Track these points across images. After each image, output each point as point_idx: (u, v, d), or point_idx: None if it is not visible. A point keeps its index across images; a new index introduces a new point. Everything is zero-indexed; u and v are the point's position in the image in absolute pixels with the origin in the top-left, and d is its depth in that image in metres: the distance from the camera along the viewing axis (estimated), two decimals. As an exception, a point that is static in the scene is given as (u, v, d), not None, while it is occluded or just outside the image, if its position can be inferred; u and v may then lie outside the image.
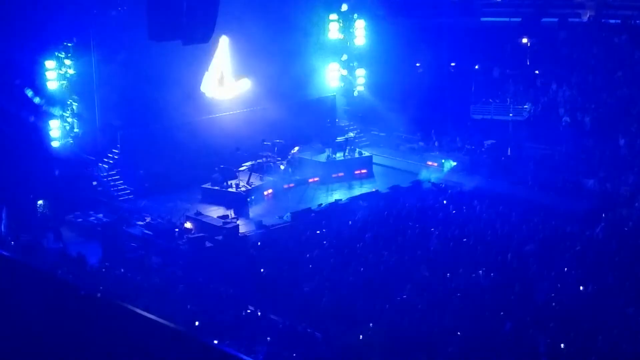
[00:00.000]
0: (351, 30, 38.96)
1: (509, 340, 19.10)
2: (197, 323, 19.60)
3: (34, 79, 29.39)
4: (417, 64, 40.75)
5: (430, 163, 34.71)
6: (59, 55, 29.45)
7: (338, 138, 35.88)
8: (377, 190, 32.11)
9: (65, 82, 29.75)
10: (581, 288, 21.80)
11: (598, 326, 19.34)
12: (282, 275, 23.61)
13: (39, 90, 29.44)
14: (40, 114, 29.59)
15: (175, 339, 3.53)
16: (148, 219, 28.82)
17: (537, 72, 36.26)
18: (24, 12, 28.47)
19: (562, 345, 18.74)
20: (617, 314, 20.11)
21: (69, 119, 30.23)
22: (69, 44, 29.49)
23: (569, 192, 30.02)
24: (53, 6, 28.63)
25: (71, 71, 29.74)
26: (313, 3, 37.67)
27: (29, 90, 28.70)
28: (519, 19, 38.16)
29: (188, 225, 28.78)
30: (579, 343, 18.79)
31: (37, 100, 28.83)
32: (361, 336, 19.37)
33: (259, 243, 27.17)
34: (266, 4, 34.50)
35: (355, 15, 38.86)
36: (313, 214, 29.62)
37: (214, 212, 30.00)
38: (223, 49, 34.33)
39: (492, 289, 21.71)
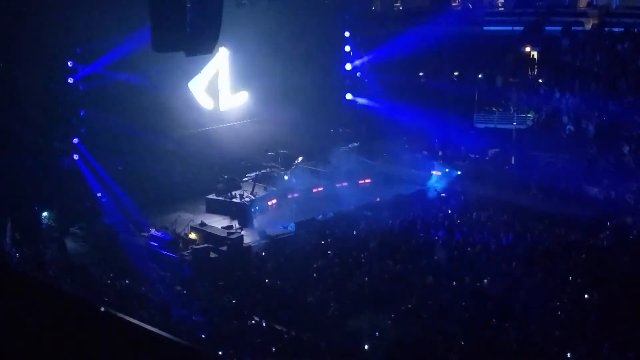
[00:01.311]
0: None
1: (513, 348, 19.07)
2: (203, 336, 19.58)
3: (40, 91, 29.54)
4: (420, 73, 40.80)
5: (434, 172, 34.71)
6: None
7: (342, 148, 35.91)
8: (381, 200, 32.09)
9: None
10: (586, 296, 21.77)
11: (603, 334, 19.30)
12: (286, 285, 23.61)
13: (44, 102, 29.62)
14: (45, 126, 29.72)
15: (179, 352, 3.54)
16: (152, 230, 28.86)
17: (540, 80, 36.24)
18: (32, 23, 28.59)
19: (568, 354, 18.71)
20: (622, 321, 20.07)
21: (74, 131, 30.37)
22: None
23: (573, 200, 29.97)
24: (60, 22, 28.72)
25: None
26: (318, 12, 37.82)
27: None
28: (521, 28, 38.16)
29: (192, 235, 28.81)
30: (585, 351, 18.75)
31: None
32: (366, 346, 19.36)
33: (263, 253, 27.19)
34: (269, 14, 34.54)
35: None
36: (317, 224, 29.63)
37: (218, 223, 30.04)
38: (222, 60, 34.40)
39: (497, 297, 21.68)
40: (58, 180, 29.80)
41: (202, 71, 33.92)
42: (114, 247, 27.28)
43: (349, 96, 39.77)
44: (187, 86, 33.51)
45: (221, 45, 32.86)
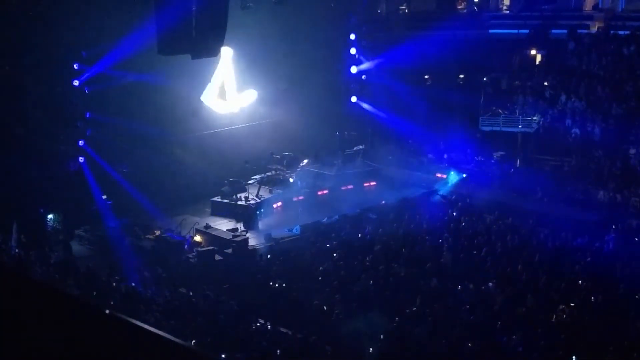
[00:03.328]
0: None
1: (519, 352, 19.03)
2: (209, 340, 19.56)
3: (46, 94, 29.60)
4: (426, 76, 40.79)
5: (439, 175, 34.68)
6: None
7: (347, 151, 35.89)
8: (386, 203, 32.04)
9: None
10: (592, 299, 21.73)
11: (609, 337, 19.25)
12: (291, 288, 23.60)
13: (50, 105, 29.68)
14: (51, 129, 29.78)
15: (184, 355, 3.54)
16: (158, 233, 28.89)
17: (546, 83, 36.22)
18: (38, 27, 28.63)
19: (573, 357, 18.68)
20: (628, 325, 20.03)
21: (80, 133, 30.44)
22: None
23: (578, 203, 29.95)
24: (66, 25, 28.77)
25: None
26: (324, 15, 37.86)
27: None
28: (527, 31, 38.16)
29: (198, 238, 28.84)
30: (590, 354, 18.72)
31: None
32: (371, 349, 19.33)
33: (268, 256, 27.19)
34: (274, 15, 34.57)
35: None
36: (322, 227, 29.61)
37: (224, 225, 30.06)
38: (226, 60, 34.43)
39: (503, 301, 21.64)
40: (64, 183, 29.83)
41: (212, 80, 34.07)
42: (120, 250, 27.31)
43: (354, 99, 39.78)
44: (194, 89, 33.51)
45: (225, 45, 32.91)
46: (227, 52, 34.12)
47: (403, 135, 37.44)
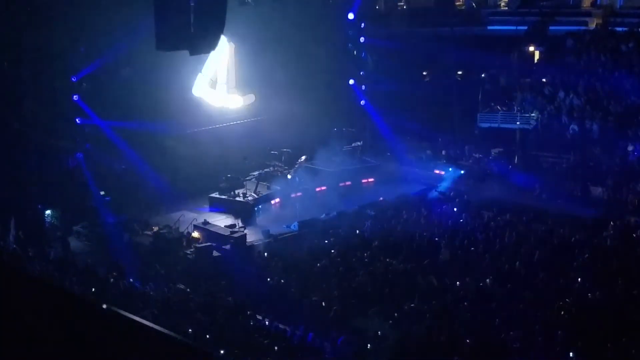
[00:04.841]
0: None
1: (517, 348, 19.04)
2: (207, 336, 19.55)
3: (44, 90, 29.57)
4: (424, 73, 40.76)
5: (437, 172, 34.65)
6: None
7: (345, 147, 35.86)
8: (384, 199, 32.03)
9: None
10: (590, 295, 21.73)
11: (608, 334, 19.25)
12: (289, 284, 23.59)
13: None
14: (49, 126, 29.74)
15: (182, 351, 3.54)
16: (156, 229, 28.86)
17: (544, 80, 36.18)
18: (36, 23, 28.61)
19: (571, 354, 18.68)
20: (626, 321, 20.02)
21: (78, 130, 30.42)
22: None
23: (577, 200, 29.94)
24: (64, 20, 28.73)
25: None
26: (322, 12, 37.80)
27: None
28: (525, 28, 38.12)
29: (195, 234, 28.82)
30: (588, 351, 18.71)
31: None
32: (369, 345, 19.34)
33: (266, 253, 27.18)
34: (273, 13, 34.52)
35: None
36: (320, 223, 29.60)
37: (222, 221, 30.04)
38: (228, 55, 34.32)
39: (501, 297, 21.65)
40: (62, 179, 29.82)
41: (203, 71, 33.78)
42: (118, 246, 27.30)
43: (351, 96, 39.72)
44: (192, 86, 33.43)
45: (227, 41, 32.85)
46: (224, 46, 33.99)
47: (401, 131, 37.40)
